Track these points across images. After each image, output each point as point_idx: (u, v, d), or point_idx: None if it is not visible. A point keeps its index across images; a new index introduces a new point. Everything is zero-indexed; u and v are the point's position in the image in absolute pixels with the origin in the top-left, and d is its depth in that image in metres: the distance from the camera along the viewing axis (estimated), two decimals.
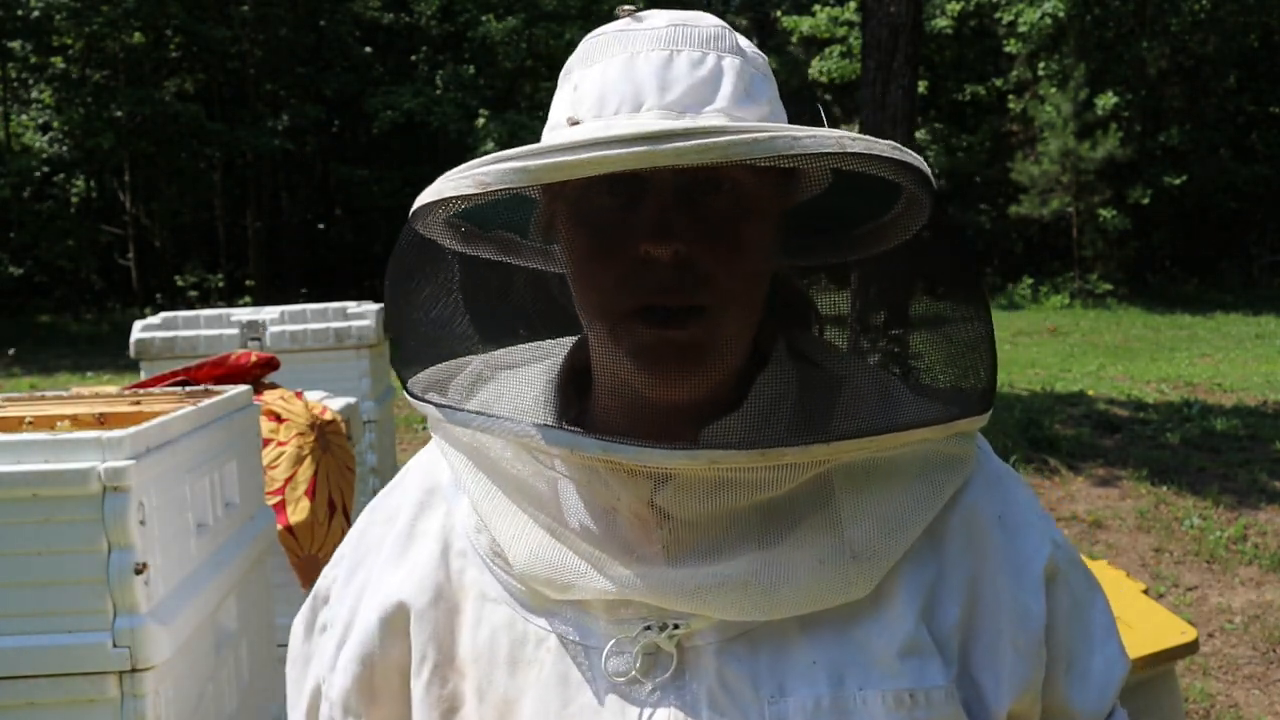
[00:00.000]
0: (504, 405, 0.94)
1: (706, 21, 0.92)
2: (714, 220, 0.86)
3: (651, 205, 0.85)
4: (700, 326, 0.85)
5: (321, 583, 1.07)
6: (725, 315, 0.86)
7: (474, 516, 0.96)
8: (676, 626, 0.86)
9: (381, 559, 1.01)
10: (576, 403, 0.97)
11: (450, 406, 0.95)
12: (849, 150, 0.80)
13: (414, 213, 0.92)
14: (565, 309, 0.97)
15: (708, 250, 0.85)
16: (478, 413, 0.93)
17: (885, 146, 0.82)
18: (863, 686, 0.85)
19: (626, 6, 0.93)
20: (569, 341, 1.01)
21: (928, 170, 0.85)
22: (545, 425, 0.90)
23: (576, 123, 0.89)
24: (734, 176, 0.86)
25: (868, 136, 0.83)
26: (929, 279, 0.95)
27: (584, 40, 0.95)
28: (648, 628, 0.87)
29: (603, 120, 0.87)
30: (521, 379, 0.98)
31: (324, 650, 1.03)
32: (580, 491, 0.91)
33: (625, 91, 0.87)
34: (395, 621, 0.96)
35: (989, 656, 0.90)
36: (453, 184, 0.85)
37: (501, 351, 1.02)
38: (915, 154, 0.84)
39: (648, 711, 0.86)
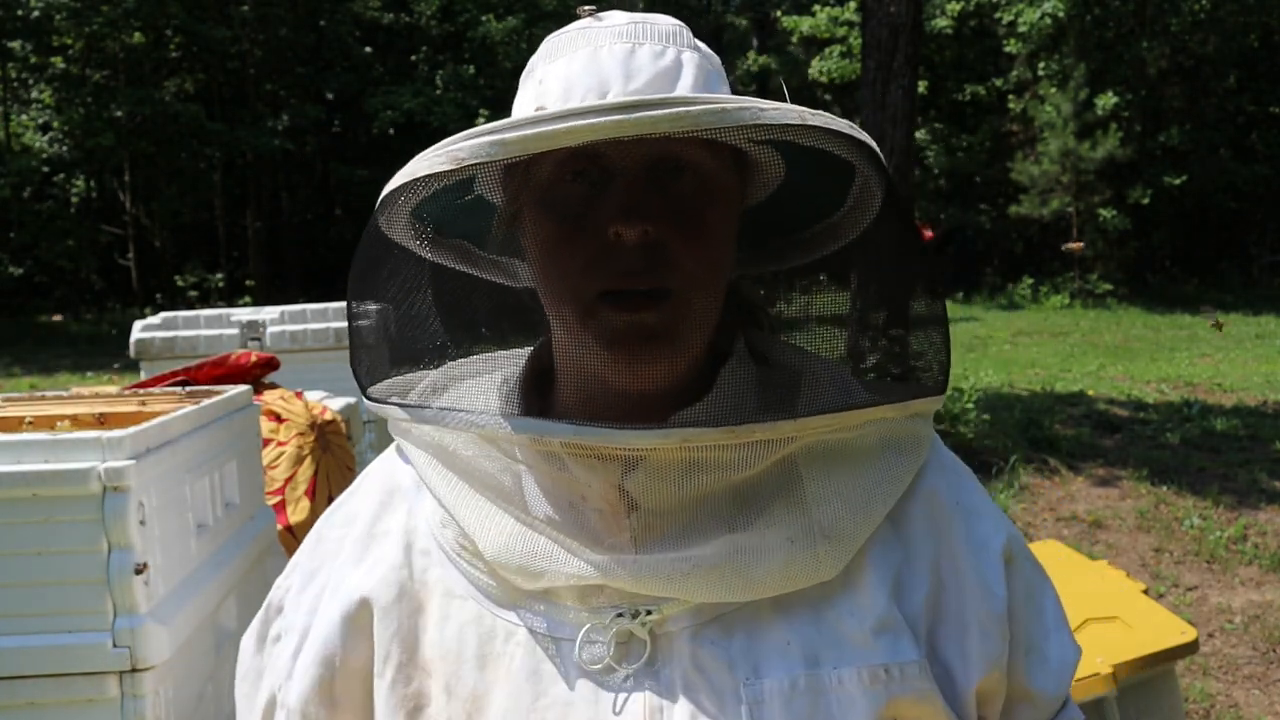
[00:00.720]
0: (468, 403, 0.94)
1: (664, 20, 0.94)
2: (680, 203, 0.87)
3: (620, 188, 0.86)
4: (668, 310, 0.86)
5: (274, 594, 1.03)
6: (691, 299, 0.87)
7: (438, 513, 0.94)
8: (649, 613, 0.86)
9: (340, 561, 0.98)
10: (538, 402, 0.97)
11: (416, 406, 0.94)
12: (809, 123, 0.81)
13: (383, 200, 0.91)
14: (522, 318, 0.99)
15: (674, 233, 0.86)
16: (444, 409, 0.92)
17: (843, 124, 0.84)
18: (837, 665, 0.86)
19: (587, 6, 0.95)
20: (524, 352, 1.01)
21: (880, 154, 0.87)
22: (512, 415, 0.90)
23: (543, 110, 0.89)
24: (697, 161, 0.87)
25: (827, 114, 0.84)
26: (883, 269, 0.97)
27: (546, 39, 0.96)
28: (620, 615, 0.86)
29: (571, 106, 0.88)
30: (482, 383, 0.98)
31: (279, 659, 0.99)
32: (545, 485, 0.91)
33: (590, 82, 0.88)
34: (358, 619, 0.94)
35: (956, 635, 0.91)
36: (426, 163, 0.85)
37: (457, 363, 1.01)
38: (866, 134, 0.86)
39: (622, 698, 0.85)
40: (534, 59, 0.96)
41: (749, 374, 0.94)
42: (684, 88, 0.89)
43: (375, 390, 0.99)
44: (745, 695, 0.84)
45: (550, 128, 0.77)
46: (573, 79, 0.89)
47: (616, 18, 0.93)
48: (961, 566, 0.93)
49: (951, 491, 0.96)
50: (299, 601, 1.00)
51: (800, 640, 0.86)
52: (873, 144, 0.86)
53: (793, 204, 0.99)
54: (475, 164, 0.82)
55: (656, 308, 0.85)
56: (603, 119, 0.76)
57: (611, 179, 0.86)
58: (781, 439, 0.86)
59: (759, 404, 0.91)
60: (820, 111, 0.83)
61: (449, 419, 0.91)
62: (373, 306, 1.00)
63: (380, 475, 1.03)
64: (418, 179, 0.86)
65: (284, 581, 1.03)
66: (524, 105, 0.94)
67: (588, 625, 0.86)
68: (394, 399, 0.97)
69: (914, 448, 0.93)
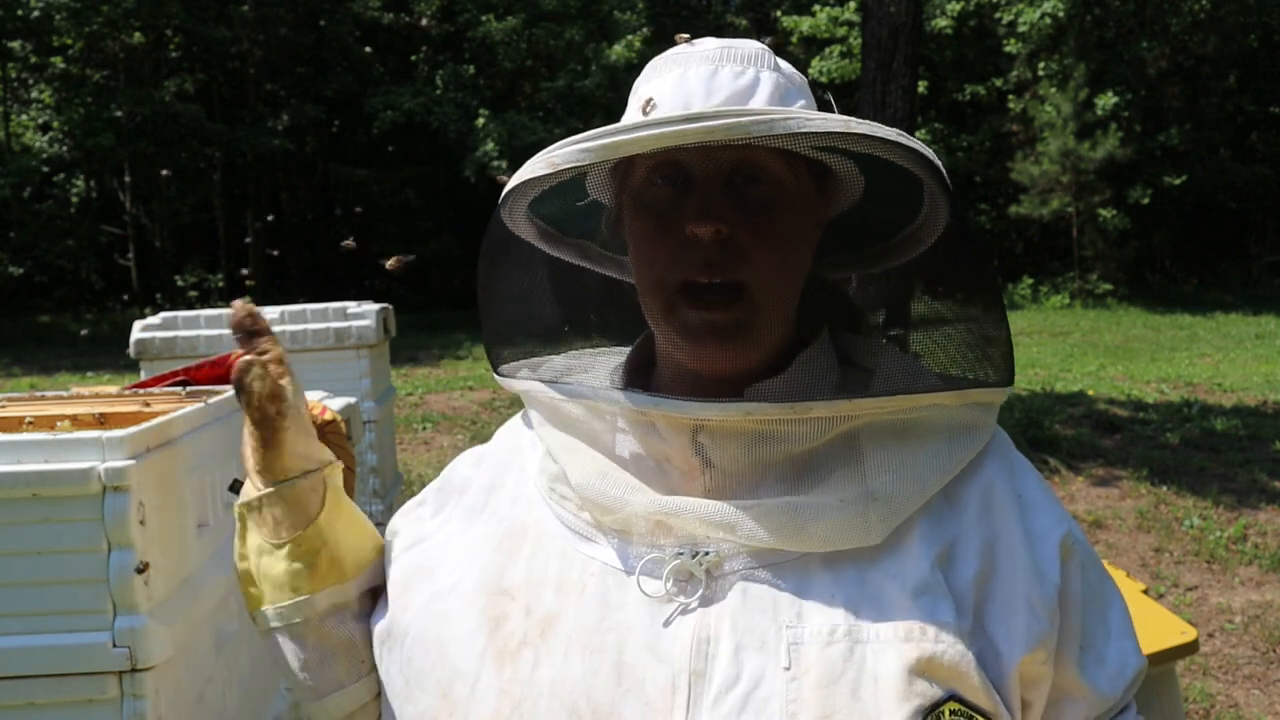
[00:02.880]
0: (583, 380, 1.11)
1: (749, 45, 1.06)
2: (750, 206, 0.98)
3: (697, 191, 0.98)
4: (740, 308, 0.97)
5: (410, 504, 1.22)
6: (762, 294, 0.98)
7: (541, 462, 1.09)
8: (708, 553, 0.96)
9: (466, 502, 1.15)
10: (639, 381, 1.10)
11: (539, 380, 1.11)
12: (853, 131, 0.91)
13: (502, 201, 1.07)
14: (630, 311, 1.11)
15: (745, 232, 0.97)
16: (558, 382, 1.08)
17: (891, 131, 0.92)
18: (876, 620, 0.93)
19: (683, 35, 1.10)
20: (624, 350, 1.16)
21: (937, 160, 0.95)
22: (606, 388, 1.06)
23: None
24: (769, 168, 0.99)
25: (874, 123, 0.93)
26: (949, 277, 1.08)
27: (650, 62, 1.10)
28: (680, 553, 0.96)
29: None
30: (598, 365, 1.15)
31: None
32: (637, 448, 1.03)
33: (677, 99, 1.02)
34: (471, 551, 1.09)
35: (1004, 611, 0.95)
36: (530, 168, 1.00)
37: (570, 357, 1.17)
38: (921, 143, 0.94)
39: (674, 624, 0.95)
40: (638, 80, 1.10)
41: (827, 362, 1.05)
42: (758, 102, 1.01)
43: (505, 367, 1.15)
44: (786, 636, 0.92)
45: (626, 137, 0.91)
46: (663, 96, 1.03)
47: (707, 44, 1.06)
48: (1016, 552, 0.97)
49: (1013, 486, 1.01)
50: (425, 518, 1.18)
51: (844, 596, 0.94)
52: (925, 149, 0.94)
53: (868, 213, 1.09)
54: (568, 168, 0.97)
55: (729, 307, 0.97)
56: (664, 129, 0.90)
57: (691, 183, 0.99)
58: (839, 416, 0.96)
59: (823, 385, 1.02)
60: (867, 120, 0.92)
61: (563, 389, 1.07)
62: (507, 296, 1.17)
63: (509, 432, 1.20)
64: (523, 182, 1.02)
65: (421, 496, 1.22)
66: (625, 119, 1.08)
67: (650, 557, 0.97)
68: (523, 374, 1.14)
69: (974, 434, 1.00)
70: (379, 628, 1.13)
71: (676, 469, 1.01)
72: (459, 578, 1.07)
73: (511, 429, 1.20)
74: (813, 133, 0.91)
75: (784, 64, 1.07)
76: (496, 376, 1.15)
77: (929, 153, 0.94)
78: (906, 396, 0.97)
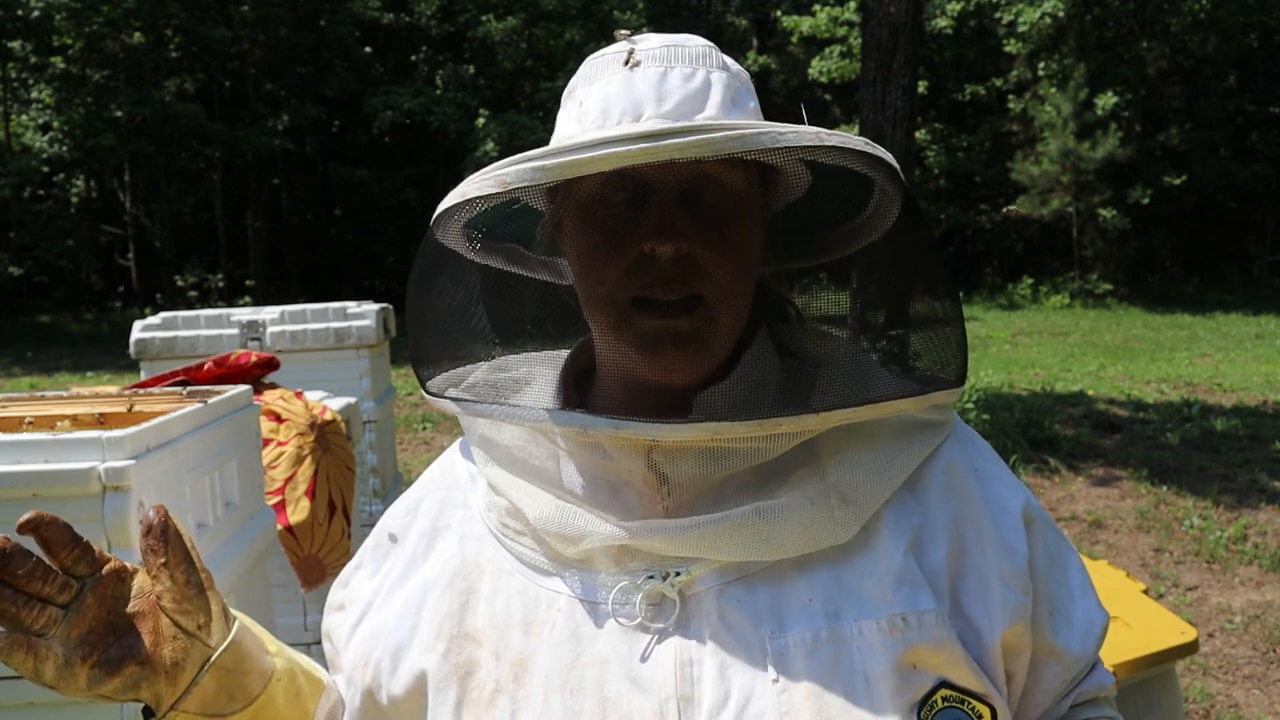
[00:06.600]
0: (519, 398, 1.04)
1: (695, 42, 1.01)
2: (710, 220, 0.94)
3: (655, 207, 0.93)
4: (698, 316, 0.93)
5: (345, 572, 1.13)
6: (720, 306, 0.94)
7: (488, 498, 1.03)
8: (678, 574, 0.93)
9: (407, 551, 1.07)
10: (577, 398, 1.05)
11: (472, 400, 1.03)
12: (825, 144, 0.89)
13: (437, 217, 0.99)
14: (565, 317, 1.06)
15: (704, 247, 0.93)
16: (496, 403, 1.01)
17: (859, 141, 0.91)
18: (858, 618, 0.91)
19: (623, 31, 1.02)
20: (561, 355, 1.09)
21: (897, 165, 0.94)
22: (557, 410, 0.97)
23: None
24: (726, 180, 0.95)
25: (842, 133, 0.91)
26: (903, 273, 1.04)
27: (585, 62, 1.03)
28: (650, 577, 0.93)
29: (607, 130, 0.94)
30: (532, 379, 1.07)
31: (339, 628, 1.09)
32: (586, 469, 0.98)
33: (626, 104, 0.96)
34: (417, 606, 1.02)
35: (979, 589, 0.95)
36: (475, 185, 0.93)
37: (508, 359, 1.10)
38: (886, 150, 0.93)
39: (653, 651, 0.91)
40: (574, 80, 1.03)
41: (771, 364, 1.01)
42: (713, 106, 0.97)
43: (433, 384, 1.07)
44: (771, 648, 0.90)
45: (587, 155, 0.85)
46: (610, 102, 0.97)
47: (650, 41, 1.00)
48: (982, 528, 0.97)
49: (969, 461, 1.01)
50: (364, 581, 1.09)
51: (822, 597, 0.92)
52: (889, 157, 0.93)
53: (818, 209, 1.06)
54: (519, 188, 0.90)
55: (688, 314, 0.93)
56: (632, 147, 0.84)
57: (648, 198, 0.93)
58: (805, 431, 0.92)
59: (783, 396, 0.98)
60: (836, 131, 0.90)
61: (499, 413, 0.99)
62: (430, 308, 1.08)
63: (442, 468, 1.13)
64: (468, 199, 0.94)
65: (357, 558, 1.13)
66: (565, 125, 1.02)
67: (619, 586, 0.93)
68: (451, 391, 1.06)
69: (932, 429, 1.00)
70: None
71: (634, 490, 0.97)
72: (411, 626, 1.01)
73: (444, 466, 1.13)
74: (789, 148, 0.87)
75: (730, 61, 1.03)
76: (427, 396, 1.07)
77: (893, 161, 0.93)
78: (872, 406, 0.94)
